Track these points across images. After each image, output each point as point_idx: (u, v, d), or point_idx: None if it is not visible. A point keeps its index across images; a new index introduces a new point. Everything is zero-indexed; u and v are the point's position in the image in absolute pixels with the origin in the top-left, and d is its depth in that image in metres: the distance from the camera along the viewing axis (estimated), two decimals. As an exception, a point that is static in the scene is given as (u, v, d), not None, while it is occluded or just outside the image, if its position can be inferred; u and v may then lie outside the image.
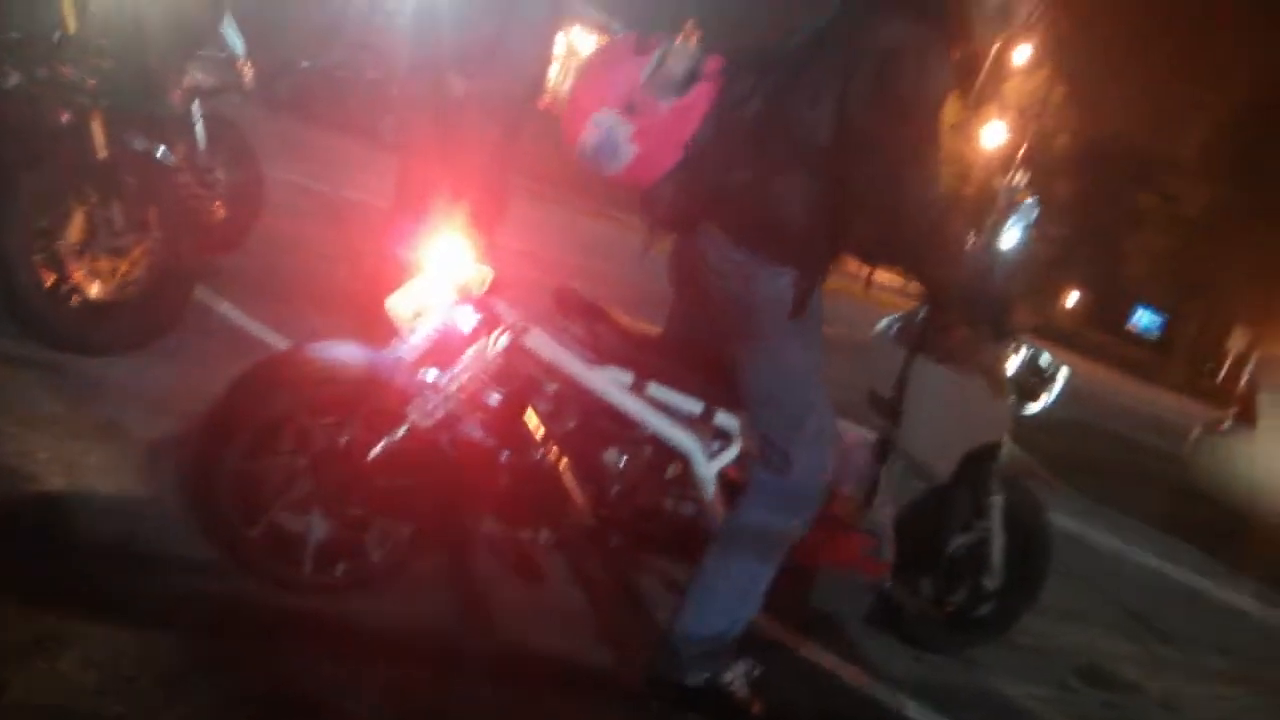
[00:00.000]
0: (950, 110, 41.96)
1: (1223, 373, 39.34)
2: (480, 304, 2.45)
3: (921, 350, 2.78)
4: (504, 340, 2.43)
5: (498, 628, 2.71)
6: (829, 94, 2.27)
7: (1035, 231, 2.77)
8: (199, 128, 4.49)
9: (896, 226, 2.30)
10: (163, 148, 3.55)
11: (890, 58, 2.22)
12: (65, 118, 3.33)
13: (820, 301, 2.44)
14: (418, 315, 2.43)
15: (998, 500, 3.02)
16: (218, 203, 4.75)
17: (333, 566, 2.45)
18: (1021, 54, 38.89)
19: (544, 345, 2.48)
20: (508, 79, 4.65)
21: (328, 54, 14.74)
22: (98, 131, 3.28)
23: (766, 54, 2.43)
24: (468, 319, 2.46)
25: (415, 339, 2.44)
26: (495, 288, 2.45)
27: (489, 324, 2.45)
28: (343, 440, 2.38)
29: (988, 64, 38.74)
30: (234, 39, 4.71)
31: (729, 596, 2.46)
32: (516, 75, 4.69)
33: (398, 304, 2.43)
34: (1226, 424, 7.11)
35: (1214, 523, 6.91)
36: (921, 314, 2.86)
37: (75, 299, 3.38)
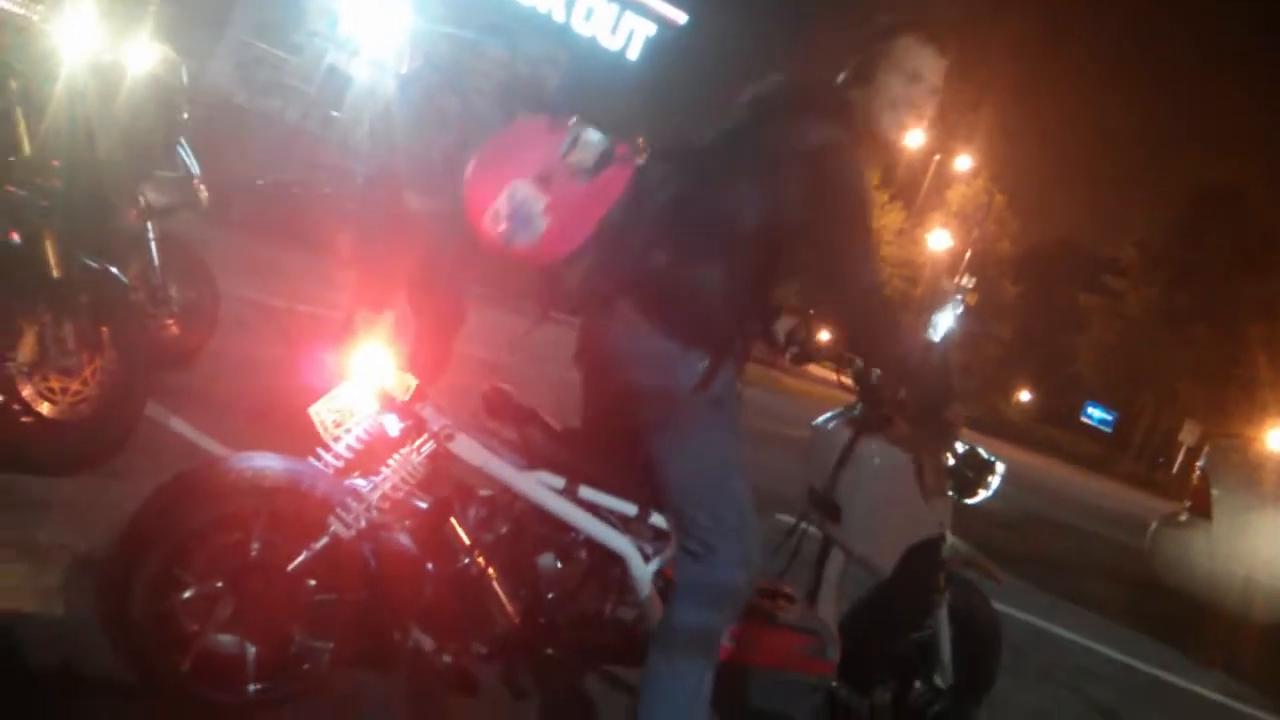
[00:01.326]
0: (894, 217, 42.78)
1: (1176, 465, 39.83)
2: (404, 410, 2.41)
3: (858, 447, 2.78)
4: (429, 446, 2.40)
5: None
6: (752, 190, 2.36)
7: (966, 326, 2.85)
8: (153, 247, 4.50)
9: (847, 312, 2.41)
10: (115, 268, 3.55)
11: (819, 156, 2.33)
12: (16, 237, 3.33)
13: (734, 391, 2.45)
14: (339, 423, 2.40)
15: (943, 596, 3.00)
16: (170, 320, 4.74)
17: (252, 684, 2.35)
18: (961, 162, 40.22)
19: (470, 450, 2.43)
20: (464, 194, 4.72)
21: (282, 171, 14.89)
22: (51, 251, 3.28)
23: (681, 149, 2.50)
24: (393, 426, 2.42)
25: (339, 447, 2.41)
26: (421, 393, 2.41)
27: (414, 430, 2.41)
28: (261, 553, 2.31)
29: (930, 173, 40.03)
30: (188, 159, 4.76)
31: (680, 697, 2.41)
32: (472, 189, 4.77)
33: (320, 412, 2.39)
34: (1183, 516, 7.18)
35: (1176, 615, 6.94)
36: (858, 410, 2.88)
37: (24, 418, 3.33)
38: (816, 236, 2.36)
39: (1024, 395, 58.26)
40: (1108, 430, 53.80)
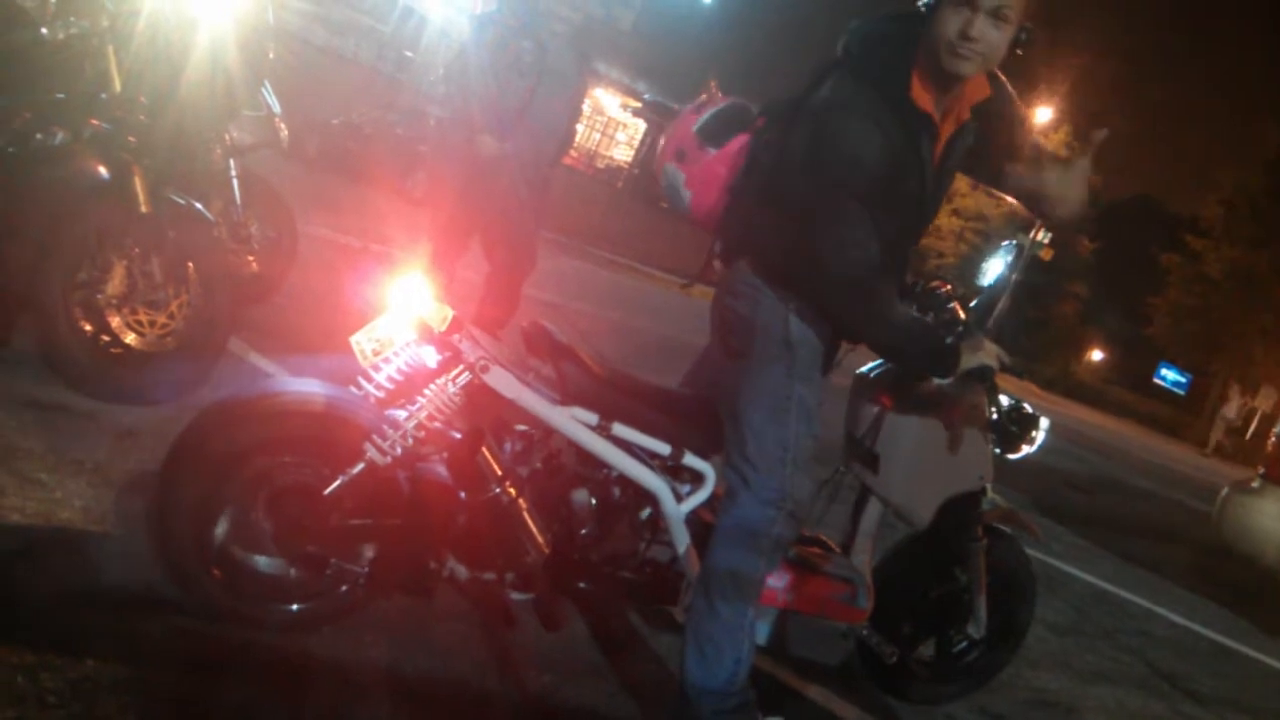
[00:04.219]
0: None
1: (1250, 431, 38.89)
2: (441, 341, 2.46)
3: (898, 396, 2.78)
4: (465, 377, 2.45)
5: (471, 672, 2.68)
6: (795, 146, 2.37)
7: (1016, 271, 2.81)
8: (235, 184, 4.59)
9: (820, 287, 2.39)
10: (199, 204, 3.63)
11: (822, 113, 2.31)
12: (106, 173, 3.42)
13: (813, 339, 2.47)
14: (379, 353, 2.44)
15: (979, 547, 2.99)
16: (251, 257, 4.84)
17: (289, 605, 2.45)
18: (1042, 114, 39.19)
19: (505, 382, 2.47)
20: (538, 138, 4.75)
21: (356, 111, 15.02)
22: (140, 187, 3.37)
23: (788, 104, 2.50)
24: (432, 357, 2.47)
25: (379, 377, 2.47)
26: (458, 325, 2.45)
27: (450, 361, 2.46)
28: (299, 476, 2.39)
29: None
30: (270, 99, 4.83)
31: (718, 638, 2.46)
32: (546, 134, 4.80)
33: (361, 341, 2.45)
34: (1255, 482, 7.06)
35: (1243, 581, 6.85)
36: None
37: (113, 349, 3.45)
38: (802, 201, 2.33)
39: (1096, 355, 57.14)
40: (1181, 393, 52.60)
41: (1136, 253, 49.14)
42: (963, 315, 2.78)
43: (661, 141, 2.65)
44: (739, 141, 2.51)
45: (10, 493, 2.64)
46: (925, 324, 2.65)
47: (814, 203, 2.30)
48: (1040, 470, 10.07)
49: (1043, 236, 30.66)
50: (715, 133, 2.52)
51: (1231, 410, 30.74)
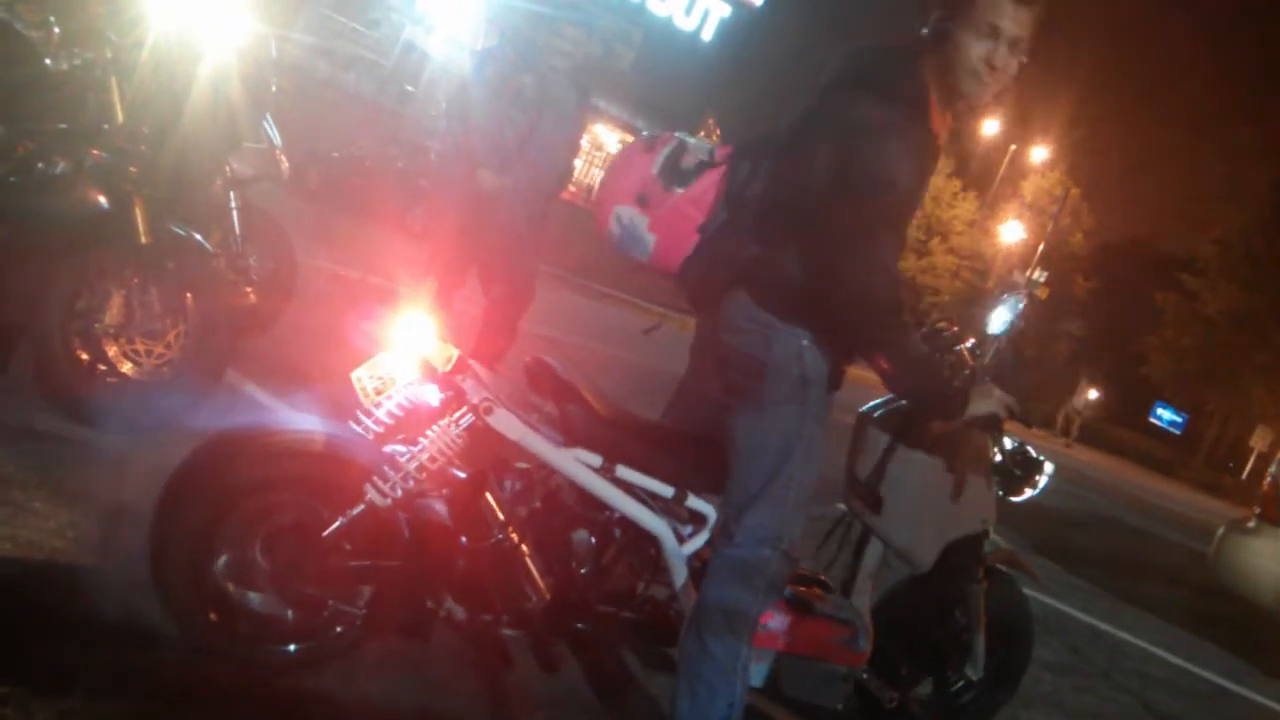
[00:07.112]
0: (967, 207, 42.02)
1: (1246, 470, 38.87)
2: (445, 381, 2.42)
3: (903, 438, 2.75)
4: (467, 419, 2.41)
5: (466, 712, 2.66)
6: (821, 170, 2.32)
7: (1027, 320, 2.78)
8: (235, 216, 4.60)
9: (841, 306, 2.33)
10: (199, 235, 3.64)
11: (855, 135, 2.28)
12: (106, 203, 3.43)
13: (827, 376, 2.43)
14: (381, 391, 2.41)
15: (980, 589, 2.96)
16: (250, 289, 4.84)
17: (286, 645, 2.42)
18: (1037, 153, 39.47)
19: (508, 425, 2.43)
20: (537, 173, 4.77)
21: (357, 144, 15.09)
22: (140, 217, 3.38)
23: (765, 139, 2.51)
24: (434, 396, 2.44)
25: (379, 413, 2.41)
26: (461, 365, 2.42)
27: (454, 402, 2.42)
28: (298, 516, 2.36)
29: (1005, 163, 39.30)
30: (272, 131, 4.85)
31: (711, 677, 2.41)
32: (546, 169, 4.82)
33: (362, 377, 2.41)
34: (1251, 523, 7.04)
35: (1240, 622, 6.81)
36: (906, 401, 2.85)
37: (110, 378, 3.45)
38: (832, 215, 2.28)
39: (1092, 394, 57.14)
40: (1177, 433, 52.54)
41: (1132, 292, 49.21)
42: (970, 361, 2.78)
43: (606, 184, 2.59)
44: (710, 179, 2.47)
45: (3, 521, 2.62)
46: (936, 363, 2.64)
47: (844, 224, 2.26)
48: (1035, 508, 10.03)
49: (1038, 275, 30.77)
50: (679, 173, 2.48)
51: (1080, 402, 31.83)
